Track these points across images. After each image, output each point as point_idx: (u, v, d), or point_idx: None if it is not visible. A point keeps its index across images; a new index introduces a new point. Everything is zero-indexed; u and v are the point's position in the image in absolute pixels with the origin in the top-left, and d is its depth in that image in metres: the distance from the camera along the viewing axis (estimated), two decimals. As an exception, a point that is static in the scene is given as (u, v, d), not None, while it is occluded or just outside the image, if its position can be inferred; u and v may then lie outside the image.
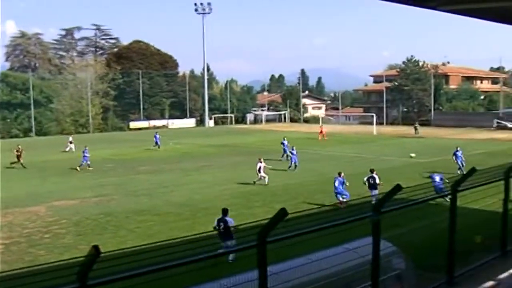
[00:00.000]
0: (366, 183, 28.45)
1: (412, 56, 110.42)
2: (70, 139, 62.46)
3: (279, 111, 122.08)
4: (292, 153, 43.26)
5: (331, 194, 29.93)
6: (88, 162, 45.72)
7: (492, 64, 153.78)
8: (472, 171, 12.85)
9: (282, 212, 8.23)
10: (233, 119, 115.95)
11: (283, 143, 51.08)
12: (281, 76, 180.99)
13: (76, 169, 44.76)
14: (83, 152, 46.28)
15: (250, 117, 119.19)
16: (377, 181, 28.23)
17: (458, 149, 40.75)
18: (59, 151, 58.75)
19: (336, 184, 28.67)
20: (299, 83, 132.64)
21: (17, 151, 47.41)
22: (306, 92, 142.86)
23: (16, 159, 46.96)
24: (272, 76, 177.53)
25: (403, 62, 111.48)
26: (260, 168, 36.39)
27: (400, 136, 74.98)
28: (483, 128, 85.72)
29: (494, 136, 73.21)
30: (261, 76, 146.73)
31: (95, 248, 6.44)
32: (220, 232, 18.42)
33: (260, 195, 32.08)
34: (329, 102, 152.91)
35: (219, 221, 19.42)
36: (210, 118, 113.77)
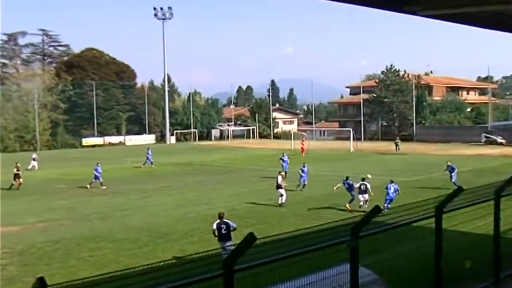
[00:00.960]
0: (358, 189, 33.29)
1: (392, 65, 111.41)
2: (34, 156, 61.84)
3: (247, 126, 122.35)
4: (302, 170, 42.52)
5: (304, 217, 30.32)
6: (101, 180, 45.77)
7: (480, 74, 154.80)
8: (459, 190, 12.90)
9: (251, 237, 8.17)
10: (197, 135, 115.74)
11: (282, 159, 50.79)
12: (249, 87, 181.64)
13: (86, 187, 45.02)
14: (95, 169, 46.22)
15: (215, 132, 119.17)
16: (368, 186, 33.11)
17: (449, 163, 41.18)
18: (7, 170, 57.76)
19: (346, 186, 34.18)
20: (269, 95, 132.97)
21: (17, 169, 46.68)
22: (277, 105, 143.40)
23: (14, 179, 46.19)
24: (240, 88, 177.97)
25: (382, 72, 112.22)
26: (278, 182, 35.97)
27: (380, 153, 75.42)
28: (470, 143, 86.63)
29: (482, 151, 74.01)
30: (228, 87, 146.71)
31: (41, 280, 6.32)
32: (222, 235, 21.50)
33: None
34: (301, 116, 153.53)
35: (219, 224, 21.80)
36: (172, 134, 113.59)
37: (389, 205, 30.81)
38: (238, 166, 60.80)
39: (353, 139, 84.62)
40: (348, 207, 33.07)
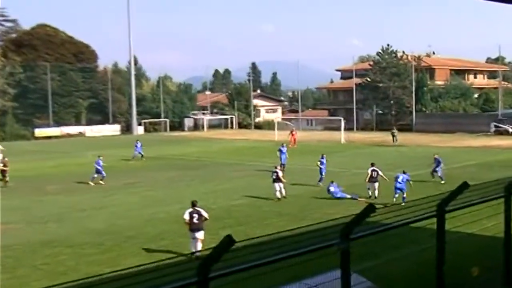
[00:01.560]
0: (369, 175, 35.91)
1: (388, 45, 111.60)
2: (0, 147, 61.42)
3: (225, 114, 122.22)
4: (321, 162, 42.76)
5: (288, 217, 30.58)
6: (104, 174, 45.94)
7: (489, 54, 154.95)
8: (464, 186, 12.85)
9: (228, 240, 8.16)
10: (168, 125, 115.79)
11: (281, 150, 51.46)
12: (227, 71, 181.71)
13: (88, 183, 45.34)
14: (96, 163, 46.41)
15: (188, 122, 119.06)
16: (380, 173, 35.96)
17: (436, 156, 42.55)
18: None
19: (332, 189, 35.66)
20: (249, 80, 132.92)
21: (4, 165, 46.58)
22: (258, 91, 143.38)
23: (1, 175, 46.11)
24: (216, 71, 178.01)
25: (377, 53, 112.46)
26: (279, 175, 36.71)
27: (375, 145, 75.60)
28: (477, 133, 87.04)
29: (491, 143, 74.27)
30: (202, 71, 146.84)
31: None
32: (193, 224, 23.63)
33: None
34: (286, 103, 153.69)
35: (191, 213, 23.83)
36: (139, 124, 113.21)
37: (396, 196, 33.10)
38: (214, 160, 60.76)
39: (344, 129, 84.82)
40: (360, 199, 34.49)
